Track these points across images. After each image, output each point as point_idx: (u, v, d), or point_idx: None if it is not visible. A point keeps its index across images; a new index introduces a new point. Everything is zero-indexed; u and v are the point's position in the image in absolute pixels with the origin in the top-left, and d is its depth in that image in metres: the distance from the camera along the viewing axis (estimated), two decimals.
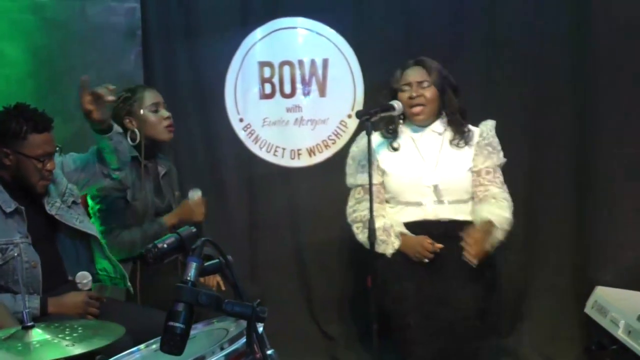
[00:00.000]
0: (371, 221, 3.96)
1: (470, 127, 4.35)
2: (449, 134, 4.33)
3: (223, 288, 4.23)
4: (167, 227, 4.15)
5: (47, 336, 2.60)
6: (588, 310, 3.88)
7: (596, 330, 3.91)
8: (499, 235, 4.08)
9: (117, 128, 3.85)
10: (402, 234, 4.18)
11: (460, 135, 4.30)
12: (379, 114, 4.19)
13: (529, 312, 5.11)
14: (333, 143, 5.03)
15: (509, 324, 5.09)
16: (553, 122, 4.99)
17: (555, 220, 5.06)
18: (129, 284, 3.88)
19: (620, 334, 3.57)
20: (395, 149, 4.31)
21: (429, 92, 4.27)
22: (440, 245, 4.10)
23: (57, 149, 3.73)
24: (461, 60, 4.89)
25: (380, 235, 4.13)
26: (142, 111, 4.16)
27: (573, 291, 5.03)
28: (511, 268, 5.03)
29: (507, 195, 4.26)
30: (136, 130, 4.16)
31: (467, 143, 4.29)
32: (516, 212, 4.84)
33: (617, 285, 3.90)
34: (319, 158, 5.06)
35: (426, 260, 4.10)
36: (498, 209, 4.15)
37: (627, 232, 4.88)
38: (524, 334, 5.07)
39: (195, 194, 4.29)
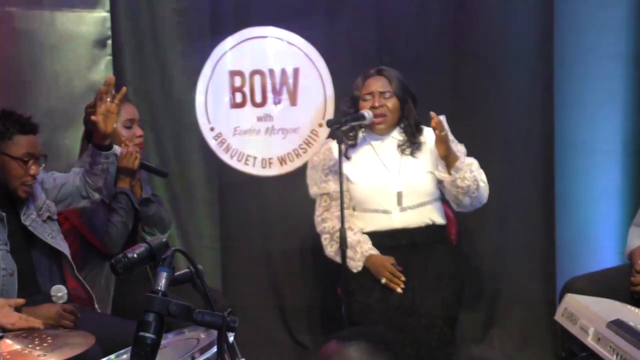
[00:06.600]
0: (342, 229, 3.98)
1: (426, 127, 4.37)
2: (402, 141, 4.36)
3: None
4: (129, 190, 4.13)
5: (18, 346, 2.59)
6: (558, 317, 3.88)
7: (566, 337, 3.92)
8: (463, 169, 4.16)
9: (116, 149, 3.88)
10: (369, 255, 4.21)
11: (410, 144, 4.32)
12: (350, 123, 4.21)
13: (500, 319, 5.14)
14: (304, 152, 5.03)
15: (480, 331, 5.11)
16: (521, 132, 5.05)
17: (525, 228, 5.10)
18: (96, 305, 3.86)
19: (589, 341, 3.57)
20: (347, 159, 4.32)
21: (391, 103, 4.29)
22: (401, 276, 4.13)
23: (43, 157, 3.71)
24: (429, 71, 4.94)
25: (347, 253, 4.14)
26: (115, 125, 4.15)
27: (543, 298, 5.07)
28: (482, 275, 5.07)
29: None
30: None
31: (413, 153, 4.31)
32: (486, 221, 4.90)
33: (587, 292, 3.92)
34: (290, 167, 5.06)
35: (383, 281, 4.13)
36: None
37: (597, 240, 4.93)
38: (494, 341, 5.10)
39: (116, 149, 4.08)
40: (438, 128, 4.09)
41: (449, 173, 4.17)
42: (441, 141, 4.12)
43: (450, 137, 4.28)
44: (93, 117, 3.73)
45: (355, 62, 4.90)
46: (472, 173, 4.18)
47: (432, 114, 4.09)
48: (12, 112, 3.62)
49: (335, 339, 2.05)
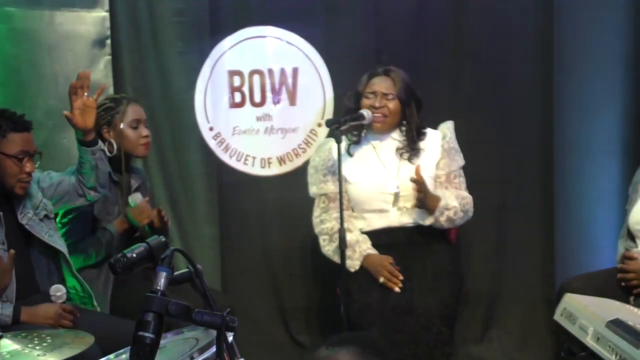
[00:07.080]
0: (342, 229, 3.98)
1: (430, 130, 4.37)
2: (402, 144, 4.35)
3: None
4: (119, 234, 4.11)
5: (17, 346, 2.58)
6: (557, 317, 3.89)
7: (565, 337, 3.92)
8: (441, 213, 4.21)
9: (101, 145, 3.87)
10: (367, 254, 4.21)
11: (410, 149, 4.32)
12: (349, 123, 4.21)
13: (499, 319, 5.14)
14: (303, 152, 5.03)
15: (479, 331, 5.11)
16: (520, 131, 5.06)
17: (524, 228, 5.10)
18: (95, 303, 3.86)
19: (589, 340, 3.58)
20: (350, 155, 4.32)
21: (393, 105, 4.28)
22: (399, 275, 4.13)
23: (38, 154, 3.71)
24: (429, 70, 4.93)
25: (346, 252, 4.13)
26: (122, 125, 4.14)
27: (542, 298, 5.07)
28: (481, 275, 5.07)
29: (470, 199, 4.33)
30: (113, 141, 4.12)
31: (410, 159, 4.30)
32: (486, 220, 4.89)
33: (583, 293, 3.93)
34: (289, 167, 5.06)
35: (382, 280, 4.13)
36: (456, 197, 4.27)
37: (596, 240, 4.93)
38: (494, 340, 5.10)
39: (137, 198, 4.20)
40: (417, 186, 4.11)
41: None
42: (416, 200, 4.17)
43: (455, 146, 4.30)
44: (66, 113, 3.72)
45: (355, 62, 4.90)
46: (446, 213, 4.22)
47: (415, 175, 4.11)
48: (4, 110, 3.62)
49: (325, 345, 2.07)
